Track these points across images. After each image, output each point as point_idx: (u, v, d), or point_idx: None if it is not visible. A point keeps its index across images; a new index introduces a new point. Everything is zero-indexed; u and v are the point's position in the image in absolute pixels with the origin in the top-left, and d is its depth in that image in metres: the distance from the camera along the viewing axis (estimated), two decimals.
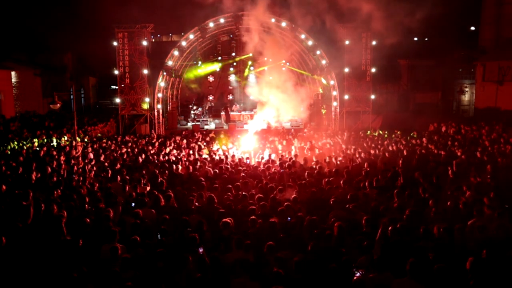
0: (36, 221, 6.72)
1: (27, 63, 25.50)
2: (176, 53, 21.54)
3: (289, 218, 7.08)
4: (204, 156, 13.82)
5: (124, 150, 14.32)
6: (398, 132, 17.66)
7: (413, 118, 22.05)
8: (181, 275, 5.28)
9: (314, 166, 11.35)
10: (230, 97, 27.22)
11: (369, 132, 18.84)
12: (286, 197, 8.22)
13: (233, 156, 13.56)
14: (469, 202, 7.33)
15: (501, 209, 6.75)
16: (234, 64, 25.84)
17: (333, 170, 10.47)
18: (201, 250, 5.84)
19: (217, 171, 10.86)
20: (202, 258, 5.47)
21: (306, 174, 10.35)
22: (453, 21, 24.79)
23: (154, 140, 17.56)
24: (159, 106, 21.87)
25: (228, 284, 5.07)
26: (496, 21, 24.44)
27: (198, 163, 12.01)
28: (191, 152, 14.70)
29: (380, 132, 18.04)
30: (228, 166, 11.52)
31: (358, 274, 5.23)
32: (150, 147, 15.49)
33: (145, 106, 21.15)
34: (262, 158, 13.96)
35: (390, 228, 6.14)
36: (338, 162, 12.39)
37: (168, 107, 23.92)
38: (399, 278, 4.92)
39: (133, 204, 7.78)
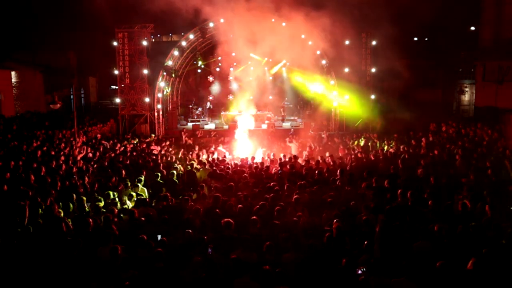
0: (34, 221, 6.71)
1: (27, 63, 25.48)
2: (176, 53, 21.53)
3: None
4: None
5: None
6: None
7: (413, 118, 22.03)
8: (185, 275, 5.27)
9: (314, 167, 11.35)
10: (230, 97, 27.17)
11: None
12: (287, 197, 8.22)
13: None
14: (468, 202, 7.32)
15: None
16: (235, 64, 25.82)
17: (333, 170, 10.47)
18: (209, 250, 5.82)
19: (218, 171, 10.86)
20: (209, 258, 5.47)
21: (306, 174, 10.36)
22: (453, 21, 24.75)
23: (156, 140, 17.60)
24: (159, 106, 21.87)
25: (231, 284, 5.06)
26: (496, 21, 24.42)
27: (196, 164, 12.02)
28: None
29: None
30: (229, 167, 11.53)
31: (360, 272, 5.20)
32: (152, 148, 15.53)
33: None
34: (263, 158, 13.98)
35: (388, 227, 6.15)
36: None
37: (168, 107, 23.92)
38: (396, 278, 4.91)
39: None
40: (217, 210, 7.35)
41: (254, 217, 6.88)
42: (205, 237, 6.09)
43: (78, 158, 12.37)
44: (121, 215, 7.43)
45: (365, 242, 5.75)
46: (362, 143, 16.38)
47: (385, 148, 15.18)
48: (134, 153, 13.97)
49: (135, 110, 21.63)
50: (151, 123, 21.88)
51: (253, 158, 13.43)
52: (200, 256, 5.56)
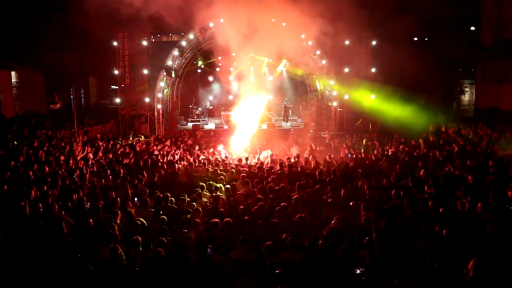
0: (35, 220, 6.71)
1: (27, 63, 25.47)
2: (176, 53, 21.54)
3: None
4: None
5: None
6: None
7: (413, 118, 22.02)
8: (185, 275, 5.28)
9: (314, 166, 11.35)
10: (230, 97, 27.17)
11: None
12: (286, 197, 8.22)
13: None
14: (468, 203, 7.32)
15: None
16: (235, 64, 25.81)
17: (332, 170, 10.47)
18: (209, 250, 5.83)
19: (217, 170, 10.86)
20: (209, 258, 5.47)
21: (306, 174, 10.35)
22: (453, 21, 24.72)
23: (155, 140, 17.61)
24: (159, 106, 21.87)
25: (231, 284, 5.07)
26: (496, 21, 24.43)
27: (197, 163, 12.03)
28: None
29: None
30: (231, 167, 11.54)
31: (358, 272, 5.20)
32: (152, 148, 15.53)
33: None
34: (260, 158, 13.98)
35: (387, 227, 6.16)
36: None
37: (168, 107, 23.92)
38: (398, 279, 4.90)
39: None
40: (221, 209, 7.36)
41: (254, 217, 6.89)
42: (204, 237, 6.09)
43: (78, 158, 12.37)
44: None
45: (364, 241, 5.76)
46: (363, 144, 16.39)
47: (386, 148, 15.16)
48: (132, 154, 13.97)
49: (135, 110, 21.64)
50: (151, 123, 21.88)
51: (246, 158, 13.42)
52: (199, 256, 5.57)
